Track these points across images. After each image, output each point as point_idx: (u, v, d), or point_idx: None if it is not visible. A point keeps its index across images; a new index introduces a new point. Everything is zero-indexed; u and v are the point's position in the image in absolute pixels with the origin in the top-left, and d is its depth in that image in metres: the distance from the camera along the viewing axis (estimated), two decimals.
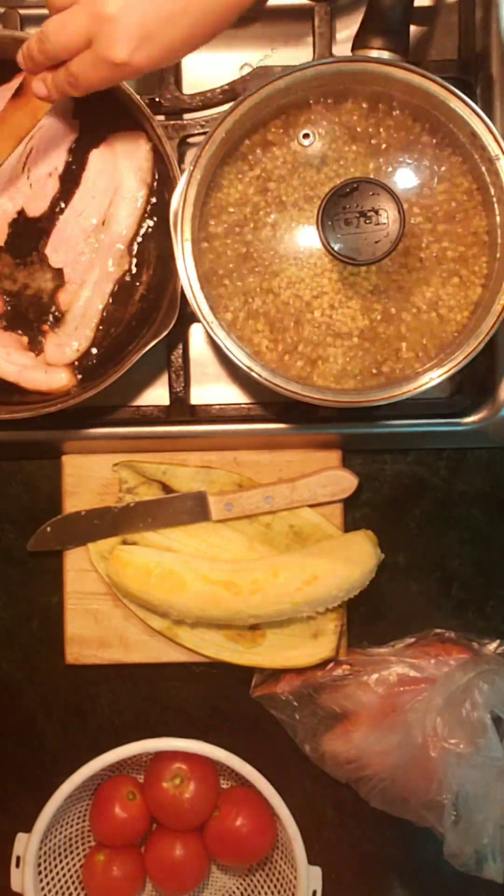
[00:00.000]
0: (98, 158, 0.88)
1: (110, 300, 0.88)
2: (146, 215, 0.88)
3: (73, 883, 0.93)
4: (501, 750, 0.86)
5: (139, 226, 0.88)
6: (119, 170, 0.87)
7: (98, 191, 0.88)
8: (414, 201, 0.82)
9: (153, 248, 0.89)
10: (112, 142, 0.88)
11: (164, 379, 0.92)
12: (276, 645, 0.92)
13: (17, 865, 0.87)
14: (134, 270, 0.89)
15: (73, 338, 0.88)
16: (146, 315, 0.89)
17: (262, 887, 0.93)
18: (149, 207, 0.88)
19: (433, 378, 0.81)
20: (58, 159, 0.88)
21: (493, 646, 0.93)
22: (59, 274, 0.89)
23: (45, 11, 0.89)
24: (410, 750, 0.86)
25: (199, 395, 0.94)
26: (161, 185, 0.88)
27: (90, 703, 0.96)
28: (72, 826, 0.93)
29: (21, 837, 0.88)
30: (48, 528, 0.93)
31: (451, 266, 0.82)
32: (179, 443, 0.93)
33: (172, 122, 0.90)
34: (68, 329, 0.88)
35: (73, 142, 0.88)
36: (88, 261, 0.88)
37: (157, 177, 0.88)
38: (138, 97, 0.84)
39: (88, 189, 0.88)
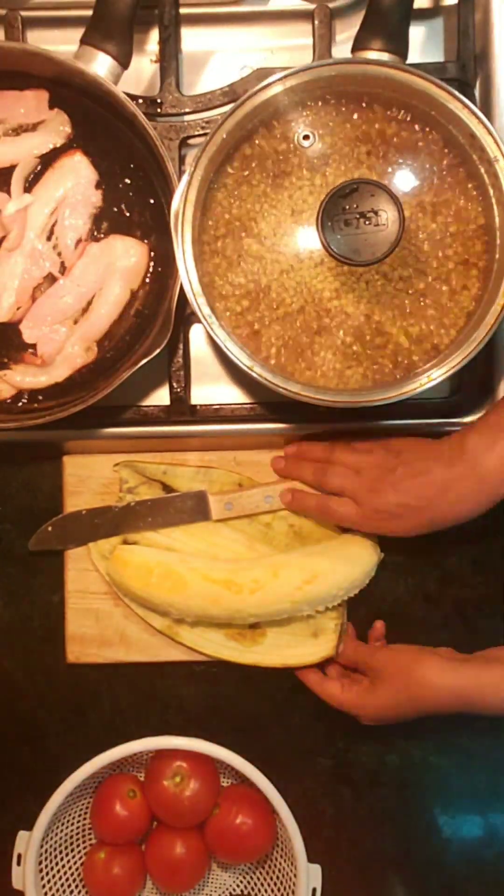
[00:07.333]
0: (94, 251, 0.87)
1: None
2: (130, 315, 0.89)
3: (74, 881, 0.93)
4: None
5: (117, 325, 0.89)
6: (110, 269, 0.87)
7: (84, 281, 0.88)
8: (413, 202, 0.82)
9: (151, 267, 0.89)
10: (112, 241, 0.87)
11: (165, 379, 0.92)
12: (276, 644, 0.92)
13: (18, 863, 0.87)
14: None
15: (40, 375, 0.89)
16: (140, 330, 0.89)
17: (262, 885, 0.93)
18: (133, 311, 0.89)
19: (433, 378, 0.81)
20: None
21: None
22: (32, 347, 0.88)
23: (46, 13, 0.91)
24: None
25: (200, 395, 0.94)
26: (153, 286, 0.88)
27: (91, 702, 0.96)
28: (73, 824, 0.93)
29: (22, 835, 0.88)
30: (49, 528, 0.93)
31: (450, 266, 0.83)
32: (180, 443, 0.93)
33: (173, 124, 0.90)
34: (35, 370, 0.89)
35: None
36: (61, 342, 0.88)
37: (152, 274, 0.88)
38: (134, 106, 0.83)
39: (75, 277, 0.88)
